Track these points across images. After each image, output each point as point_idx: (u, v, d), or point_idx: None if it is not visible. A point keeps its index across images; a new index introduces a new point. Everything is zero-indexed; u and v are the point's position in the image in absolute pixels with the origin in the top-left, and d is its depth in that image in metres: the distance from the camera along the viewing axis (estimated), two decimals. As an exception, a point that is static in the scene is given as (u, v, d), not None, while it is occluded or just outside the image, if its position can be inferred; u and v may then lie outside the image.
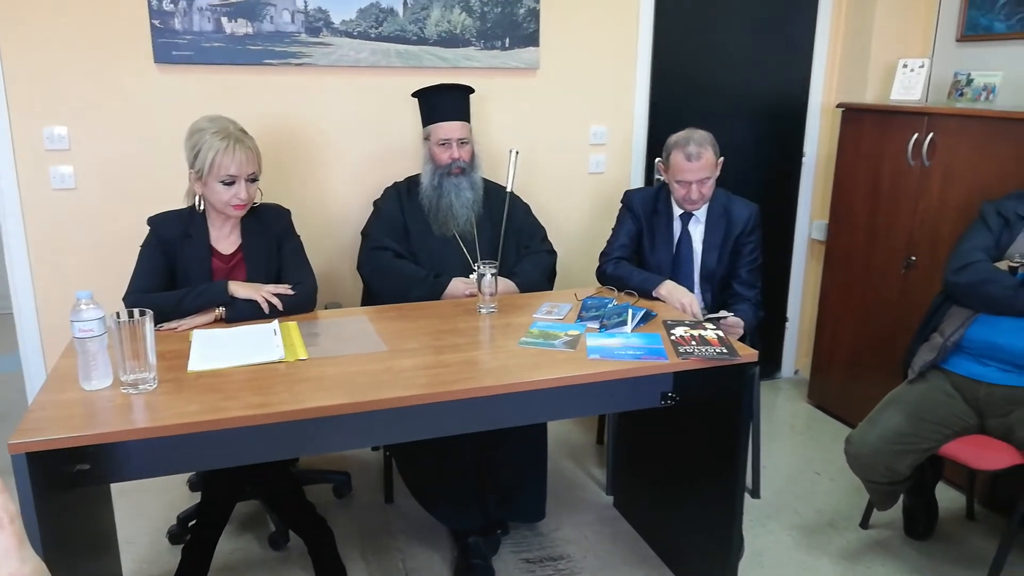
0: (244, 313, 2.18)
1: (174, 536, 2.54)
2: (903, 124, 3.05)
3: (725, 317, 2.44)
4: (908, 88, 3.24)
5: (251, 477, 2.32)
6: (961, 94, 3.08)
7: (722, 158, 2.64)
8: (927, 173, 2.96)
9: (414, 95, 2.75)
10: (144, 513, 2.68)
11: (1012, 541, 2.18)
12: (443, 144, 2.66)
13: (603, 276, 2.68)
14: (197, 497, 2.56)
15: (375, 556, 2.49)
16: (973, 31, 3.18)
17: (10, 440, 1.47)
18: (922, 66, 3.21)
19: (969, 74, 3.06)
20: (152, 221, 2.27)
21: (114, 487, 2.28)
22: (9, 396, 3.48)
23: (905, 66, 3.26)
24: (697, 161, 2.55)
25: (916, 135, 2.98)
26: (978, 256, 2.31)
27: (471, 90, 2.75)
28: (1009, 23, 3.01)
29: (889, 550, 2.55)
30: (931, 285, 2.84)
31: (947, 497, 2.81)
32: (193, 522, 2.32)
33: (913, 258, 3.04)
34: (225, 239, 2.32)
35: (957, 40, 3.25)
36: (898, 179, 3.10)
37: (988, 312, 2.29)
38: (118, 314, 1.67)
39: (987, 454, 2.22)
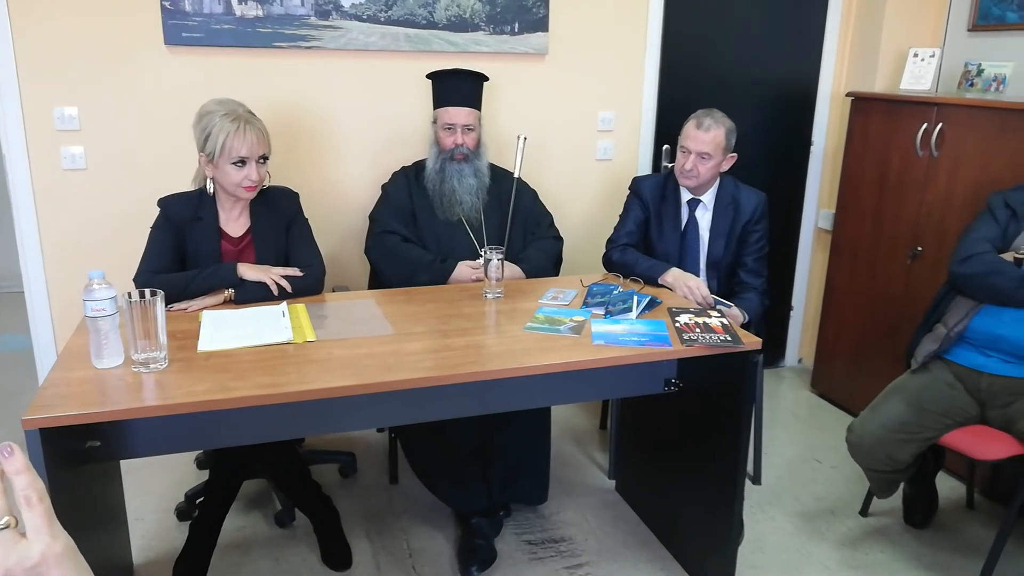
0: (253, 295, 2.20)
1: (182, 513, 2.57)
2: (912, 114, 3.04)
3: (729, 307, 2.46)
4: (918, 77, 3.23)
5: (258, 456, 2.36)
6: (971, 84, 3.07)
7: (735, 154, 2.64)
8: (935, 163, 2.96)
9: (428, 76, 2.76)
10: (153, 490, 2.72)
11: (1009, 530, 2.20)
12: (448, 129, 2.67)
13: (609, 263, 2.69)
14: (205, 475, 2.60)
15: (379, 535, 2.52)
16: (985, 21, 3.16)
17: (24, 416, 1.50)
18: (933, 55, 3.20)
19: (980, 64, 3.05)
20: (162, 203, 2.29)
21: (123, 465, 2.32)
22: (20, 375, 3.52)
23: (916, 55, 3.25)
24: (705, 132, 2.55)
25: (925, 125, 2.97)
26: (983, 247, 2.32)
27: (484, 78, 2.75)
28: (1022, 13, 2.99)
29: (888, 538, 2.58)
30: (937, 276, 2.85)
31: (948, 486, 2.83)
32: (201, 499, 2.36)
33: (919, 248, 3.04)
34: (234, 222, 2.34)
35: (969, 30, 3.23)
36: (906, 169, 3.09)
37: (992, 303, 2.29)
38: (129, 294, 1.69)
39: (987, 444, 2.23)
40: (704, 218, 2.71)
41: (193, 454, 2.88)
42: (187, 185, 2.38)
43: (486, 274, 2.36)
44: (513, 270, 2.60)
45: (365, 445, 3.11)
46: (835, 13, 3.58)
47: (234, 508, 2.42)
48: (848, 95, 3.39)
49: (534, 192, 2.90)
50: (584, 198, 3.44)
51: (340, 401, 1.82)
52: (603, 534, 2.57)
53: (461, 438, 2.42)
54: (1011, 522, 2.20)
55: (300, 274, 2.28)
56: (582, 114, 3.35)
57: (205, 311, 2.12)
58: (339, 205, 3.10)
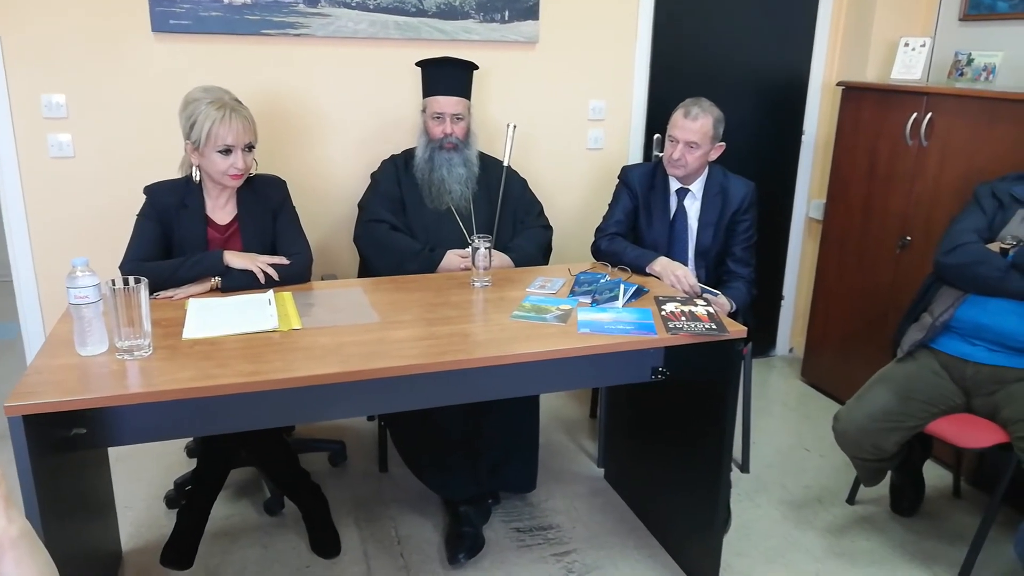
0: (240, 283, 2.20)
1: (171, 501, 2.58)
2: (902, 103, 3.04)
3: (716, 295, 2.46)
4: (909, 67, 3.23)
5: (245, 443, 2.36)
6: (961, 74, 3.07)
7: (723, 143, 2.64)
8: (924, 153, 2.96)
9: (418, 65, 2.75)
10: (142, 479, 2.73)
11: (993, 517, 2.21)
12: (437, 118, 2.67)
13: (597, 252, 2.69)
14: (195, 463, 2.60)
15: (368, 523, 2.53)
16: (976, 10, 3.15)
17: (6, 403, 1.50)
18: (923, 45, 3.19)
19: (970, 54, 3.04)
20: (148, 190, 2.28)
21: (112, 453, 2.32)
22: (9, 363, 3.52)
23: (907, 45, 3.24)
24: (693, 121, 2.55)
25: (915, 115, 2.97)
26: (969, 237, 2.32)
27: (474, 66, 2.74)
28: (1012, 2, 2.99)
29: (874, 525, 2.59)
30: (925, 266, 2.85)
31: (935, 475, 2.85)
32: (189, 487, 2.36)
33: (908, 238, 3.05)
34: (221, 209, 2.34)
35: (960, 19, 3.23)
36: (895, 159, 3.09)
37: (978, 293, 2.30)
38: (113, 281, 1.69)
39: (972, 432, 2.24)
40: (693, 207, 2.71)
41: (183, 442, 2.89)
42: (176, 173, 2.37)
43: (474, 263, 2.35)
44: (502, 259, 2.60)
45: (355, 434, 3.12)
46: (827, 2, 3.57)
47: (223, 496, 2.43)
48: (839, 84, 3.39)
49: (524, 181, 2.90)
50: (574, 187, 3.44)
51: (325, 389, 1.82)
52: (591, 522, 2.58)
53: (448, 426, 2.42)
54: (995, 510, 2.21)
55: (287, 262, 2.28)
56: (573, 103, 3.34)
57: (191, 299, 2.12)
58: (328, 193, 3.10)
